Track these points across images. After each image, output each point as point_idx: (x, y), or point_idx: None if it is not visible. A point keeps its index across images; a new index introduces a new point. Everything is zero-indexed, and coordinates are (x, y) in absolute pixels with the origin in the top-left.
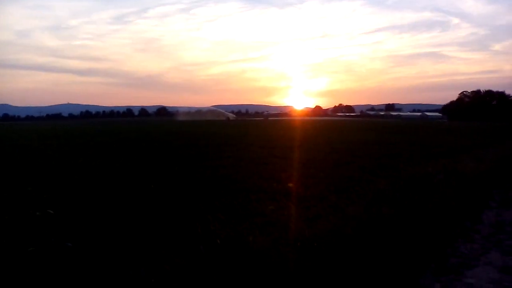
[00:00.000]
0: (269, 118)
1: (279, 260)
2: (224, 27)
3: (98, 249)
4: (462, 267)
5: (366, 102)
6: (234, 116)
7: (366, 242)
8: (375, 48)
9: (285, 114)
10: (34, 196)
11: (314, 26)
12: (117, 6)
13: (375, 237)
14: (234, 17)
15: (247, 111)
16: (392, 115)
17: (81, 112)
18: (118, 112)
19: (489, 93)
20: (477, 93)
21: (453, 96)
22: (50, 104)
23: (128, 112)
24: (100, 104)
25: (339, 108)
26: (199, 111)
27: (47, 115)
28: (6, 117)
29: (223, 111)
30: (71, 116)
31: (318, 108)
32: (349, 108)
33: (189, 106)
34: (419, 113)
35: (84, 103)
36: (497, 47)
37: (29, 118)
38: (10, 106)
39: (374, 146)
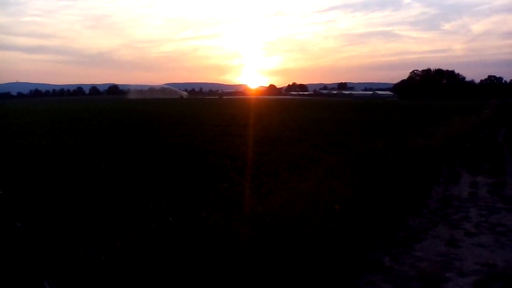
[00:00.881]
0: (223, 97)
1: (232, 235)
2: (176, 4)
3: (48, 229)
4: (411, 240)
5: (319, 81)
6: (188, 94)
7: (316, 217)
8: (328, 27)
9: (239, 93)
10: None
11: (268, 3)
12: None
13: (326, 212)
14: None
15: (201, 90)
16: (344, 94)
17: (31, 91)
18: (68, 90)
19: (439, 72)
20: (427, 72)
21: (404, 75)
22: None
23: (78, 90)
24: (50, 83)
25: (293, 87)
26: (151, 89)
27: None
28: None
29: (176, 89)
30: (20, 94)
31: (272, 86)
32: (302, 87)
33: (141, 84)
34: (370, 92)
35: (34, 81)
36: (447, 26)
37: None
38: None
39: (326, 124)
